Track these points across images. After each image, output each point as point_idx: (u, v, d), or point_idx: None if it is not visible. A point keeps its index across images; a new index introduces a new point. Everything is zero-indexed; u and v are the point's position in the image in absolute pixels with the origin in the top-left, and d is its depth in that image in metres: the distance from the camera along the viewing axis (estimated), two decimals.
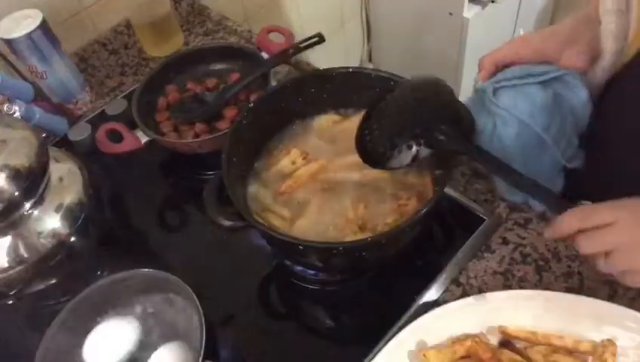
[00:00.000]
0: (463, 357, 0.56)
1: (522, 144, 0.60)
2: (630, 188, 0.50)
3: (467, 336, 0.56)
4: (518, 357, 0.54)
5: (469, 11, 1.49)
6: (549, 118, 0.60)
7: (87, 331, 0.62)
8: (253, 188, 0.69)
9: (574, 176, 0.64)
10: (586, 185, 0.61)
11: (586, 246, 0.49)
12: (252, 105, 0.70)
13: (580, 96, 0.62)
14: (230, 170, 0.63)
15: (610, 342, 0.54)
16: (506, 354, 0.55)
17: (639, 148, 0.61)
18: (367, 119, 0.63)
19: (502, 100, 0.60)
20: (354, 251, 0.59)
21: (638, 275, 0.48)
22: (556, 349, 0.55)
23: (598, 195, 0.50)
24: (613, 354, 0.53)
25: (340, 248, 0.58)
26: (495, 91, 0.61)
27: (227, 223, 0.59)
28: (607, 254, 0.48)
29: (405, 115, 0.61)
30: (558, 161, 0.62)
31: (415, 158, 0.58)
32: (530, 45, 0.65)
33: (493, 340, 0.57)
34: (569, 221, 0.49)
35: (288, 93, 0.72)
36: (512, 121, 0.60)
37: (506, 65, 0.65)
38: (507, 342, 0.57)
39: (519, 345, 0.57)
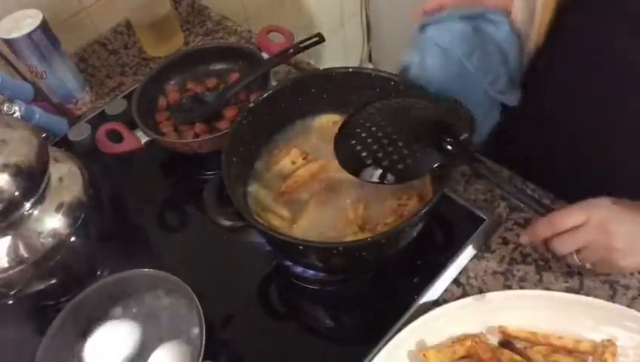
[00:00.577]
0: (463, 357, 0.56)
1: (446, 72, 0.65)
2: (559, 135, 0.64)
3: (467, 336, 0.57)
4: (518, 357, 0.54)
5: None
6: (469, 47, 0.64)
7: (87, 331, 0.62)
8: (253, 188, 0.69)
9: (509, 118, 0.69)
10: (518, 126, 0.69)
11: (561, 248, 0.56)
12: (252, 105, 0.70)
13: (502, 30, 0.66)
14: (230, 170, 0.63)
15: (610, 342, 0.54)
16: (506, 354, 0.55)
17: (567, 97, 0.67)
18: (349, 124, 0.62)
19: (426, 34, 0.66)
20: (354, 251, 0.59)
21: (604, 264, 0.57)
22: (556, 349, 0.56)
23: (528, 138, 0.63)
24: (613, 354, 0.53)
25: (340, 248, 0.58)
26: (422, 28, 0.67)
27: (227, 223, 0.59)
28: (577, 251, 0.56)
29: (398, 120, 0.60)
30: (486, 91, 0.66)
31: (383, 178, 0.56)
32: None
33: (493, 340, 0.57)
34: (543, 229, 0.56)
35: (288, 93, 0.72)
36: (434, 50, 0.65)
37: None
38: (507, 342, 0.57)
39: (519, 345, 0.57)
